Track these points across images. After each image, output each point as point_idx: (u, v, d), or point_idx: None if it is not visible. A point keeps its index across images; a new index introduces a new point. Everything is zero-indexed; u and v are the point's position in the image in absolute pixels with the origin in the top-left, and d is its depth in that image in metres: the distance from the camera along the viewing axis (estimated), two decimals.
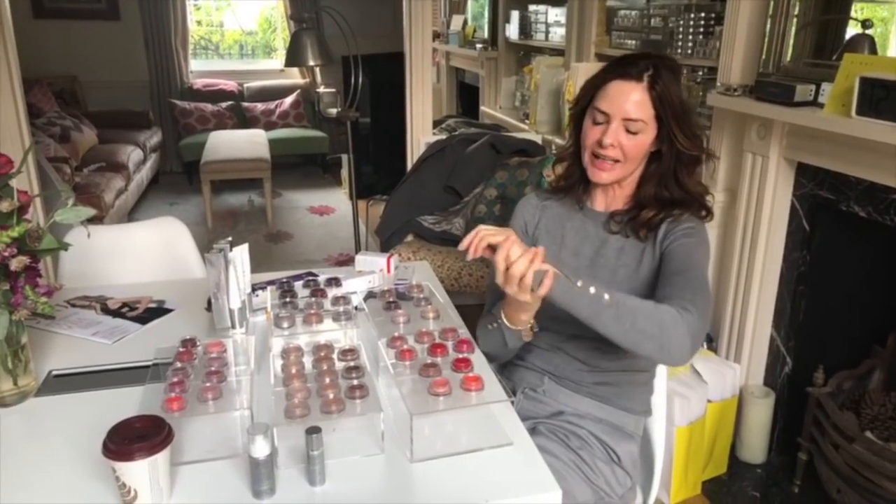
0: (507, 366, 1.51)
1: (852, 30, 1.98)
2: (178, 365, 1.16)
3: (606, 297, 1.13)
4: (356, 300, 1.46)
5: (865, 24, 1.93)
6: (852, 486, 1.86)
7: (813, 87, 1.88)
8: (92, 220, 1.23)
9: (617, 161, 1.31)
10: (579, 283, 1.14)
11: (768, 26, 2.08)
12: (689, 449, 2.11)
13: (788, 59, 2.06)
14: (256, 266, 1.49)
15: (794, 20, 2.03)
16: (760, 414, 2.27)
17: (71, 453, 1.06)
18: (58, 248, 1.19)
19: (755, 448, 2.32)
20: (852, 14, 2.00)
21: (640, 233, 1.34)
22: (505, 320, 1.32)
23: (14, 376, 1.18)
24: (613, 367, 1.38)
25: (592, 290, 1.13)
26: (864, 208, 1.90)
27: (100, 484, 0.98)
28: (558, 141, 3.49)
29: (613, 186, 1.38)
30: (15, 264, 1.10)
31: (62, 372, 1.32)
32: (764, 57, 2.10)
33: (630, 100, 1.27)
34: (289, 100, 6.53)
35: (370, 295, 1.52)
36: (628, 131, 1.29)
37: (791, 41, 2.05)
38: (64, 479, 1.01)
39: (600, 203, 1.42)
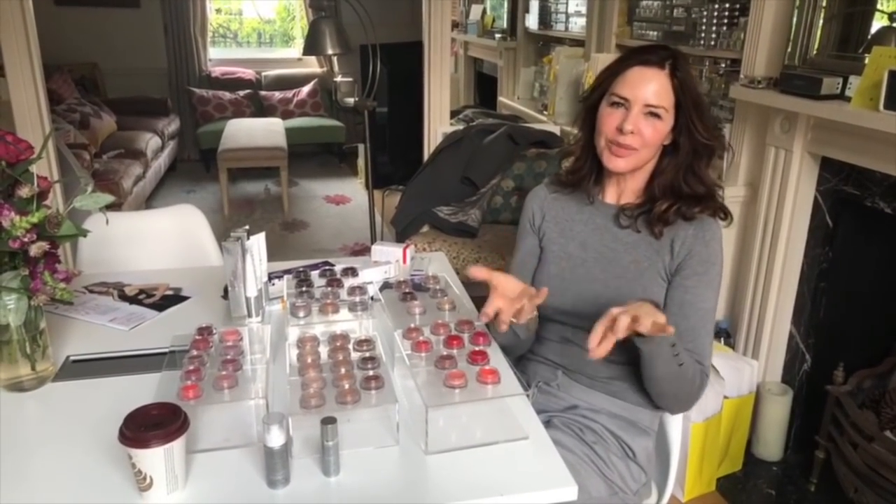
0: (520, 360, 1.50)
1: (878, 23, 1.94)
2: (194, 353, 1.17)
3: (680, 364, 1.22)
4: (372, 290, 1.46)
5: (892, 16, 1.89)
6: (870, 486, 1.84)
7: (840, 80, 1.84)
8: (110, 207, 1.24)
9: (635, 149, 1.29)
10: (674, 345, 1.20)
11: (795, 18, 2.04)
12: (704, 445, 2.09)
13: (815, 51, 2.02)
14: (271, 254, 1.49)
15: (822, 12, 1.99)
16: (778, 411, 2.25)
17: (87, 439, 1.06)
18: (77, 235, 1.19)
19: (771, 445, 2.29)
20: (879, 6, 1.96)
21: (655, 228, 1.32)
22: None
23: (32, 361, 1.19)
24: (623, 360, 1.36)
25: (677, 354, 1.22)
26: (890, 204, 1.87)
27: (115, 470, 0.98)
28: (577, 132, 3.45)
29: (626, 177, 1.36)
30: (34, 250, 1.10)
31: (80, 358, 1.33)
32: (790, 49, 2.06)
33: (652, 85, 1.26)
34: (306, 88, 6.53)
35: (386, 285, 1.51)
36: (649, 117, 1.27)
37: (818, 33, 2.01)
38: (80, 465, 1.02)
39: (611, 195, 1.40)
